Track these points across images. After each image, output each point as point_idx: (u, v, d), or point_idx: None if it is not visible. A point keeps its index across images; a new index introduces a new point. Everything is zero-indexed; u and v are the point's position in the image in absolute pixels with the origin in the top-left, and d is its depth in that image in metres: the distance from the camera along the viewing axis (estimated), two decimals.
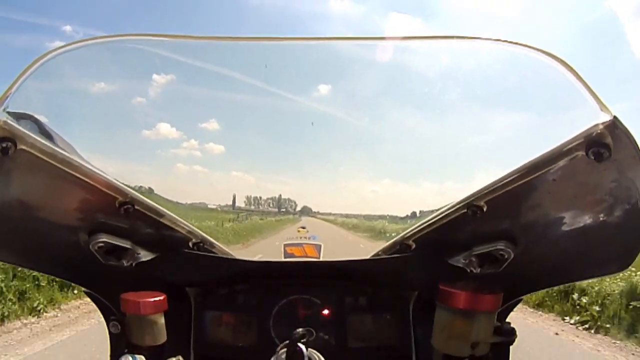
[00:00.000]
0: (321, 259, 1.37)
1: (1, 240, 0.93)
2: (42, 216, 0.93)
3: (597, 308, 6.51)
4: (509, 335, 1.07)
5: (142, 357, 1.06)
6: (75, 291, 6.69)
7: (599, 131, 0.67)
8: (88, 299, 1.27)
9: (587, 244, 0.89)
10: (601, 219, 0.82)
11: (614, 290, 6.59)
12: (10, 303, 5.72)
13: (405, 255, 1.22)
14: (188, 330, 1.31)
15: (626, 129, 0.66)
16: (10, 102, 0.71)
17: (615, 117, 0.66)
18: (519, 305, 1.17)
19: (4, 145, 0.70)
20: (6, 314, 5.58)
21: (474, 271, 1.10)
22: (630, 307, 6.11)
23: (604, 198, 0.79)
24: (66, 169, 0.80)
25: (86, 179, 0.84)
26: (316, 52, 1.04)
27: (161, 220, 1.05)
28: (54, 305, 6.35)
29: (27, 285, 6.08)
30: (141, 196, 0.97)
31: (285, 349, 1.02)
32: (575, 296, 6.93)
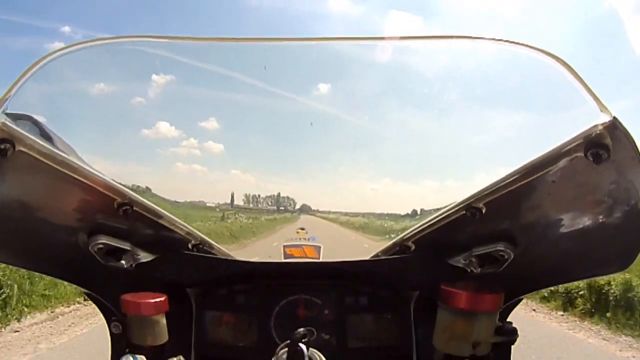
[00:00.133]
0: (321, 260, 1.37)
1: (1, 241, 0.93)
2: (41, 217, 0.93)
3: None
4: (511, 335, 1.07)
5: (143, 358, 1.06)
6: None
7: (598, 132, 0.67)
8: None
9: (587, 245, 0.89)
10: (601, 219, 0.82)
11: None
12: None
13: (405, 256, 1.22)
14: (189, 330, 1.31)
15: (626, 130, 0.66)
16: (9, 104, 0.71)
17: (615, 118, 0.66)
18: None
19: (3, 146, 0.70)
20: None
21: (475, 271, 1.10)
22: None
23: (603, 199, 0.79)
24: (65, 171, 0.80)
25: (84, 180, 0.84)
26: (316, 52, 1.03)
27: (160, 221, 1.05)
28: None
29: None
30: (140, 197, 0.97)
31: (286, 349, 1.02)
32: None
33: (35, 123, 0.80)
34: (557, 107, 0.93)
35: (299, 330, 1.01)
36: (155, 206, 1.02)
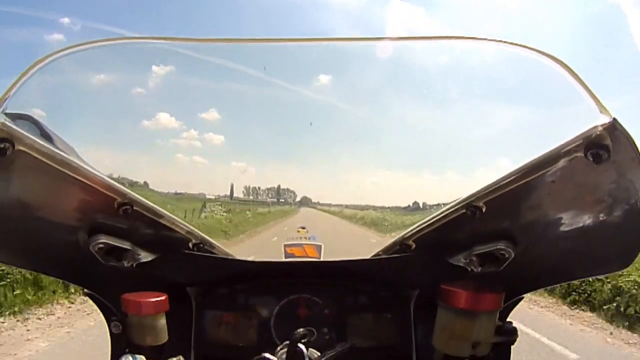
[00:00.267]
0: (321, 259, 1.37)
1: (1, 240, 0.93)
2: (41, 217, 0.93)
3: None
4: (511, 334, 1.07)
5: (143, 357, 1.06)
6: None
7: (598, 133, 0.67)
8: None
9: (587, 244, 0.89)
10: (601, 219, 0.82)
11: None
12: None
13: (406, 255, 1.22)
14: (189, 330, 1.31)
15: (626, 130, 0.66)
16: (9, 104, 0.71)
17: (614, 119, 0.66)
18: None
19: (2, 146, 0.69)
20: None
21: (475, 270, 1.10)
22: None
23: (603, 199, 0.79)
24: (65, 170, 0.80)
25: (84, 180, 0.84)
26: (318, 47, 1.03)
27: (160, 221, 1.05)
28: None
29: None
30: (140, 197, 0.97)
31: (285, 349, 1.02)
32: None
33: (35, 123, 0.80)
34: (558, 108, 0.93)
35: (298, 330, 1.01)
36: (156, 206, 1.02)
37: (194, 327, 1.31)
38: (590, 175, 0.75)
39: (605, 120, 0.66)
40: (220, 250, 1.33)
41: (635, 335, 5.53)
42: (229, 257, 1.32)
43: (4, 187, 0.81)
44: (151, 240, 1.13)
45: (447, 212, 1.00)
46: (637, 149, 0.67)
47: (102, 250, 1.04)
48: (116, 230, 1.03)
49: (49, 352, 4.47)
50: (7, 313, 5.33)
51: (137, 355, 1.06)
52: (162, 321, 1.13)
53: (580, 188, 0.81)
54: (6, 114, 0.70)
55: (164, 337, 1.14)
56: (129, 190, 0.94)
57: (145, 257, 1.14)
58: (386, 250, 1.29)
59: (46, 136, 0.80)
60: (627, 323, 5.78)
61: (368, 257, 1.32)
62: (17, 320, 5.30)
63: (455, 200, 0.98)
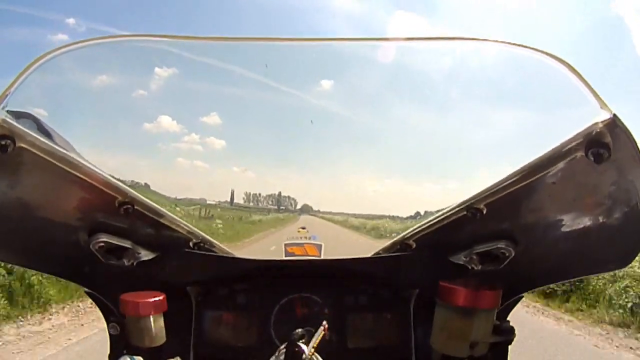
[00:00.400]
0: (322, 258, 1.37)
1: (1, 239, 0.93)
2: (42, 215, 0.92)
3: None
4: (508, 334, 1.06)
5: (140, 359, 1.05)
6: None
7: (598, 130, 0.67)
8: None
9: (587, 245, 0.89)
10: (601, 220, 0.82)
11: None
12: None
13: (406, 253, 1.22)
14: (187, 330, 1.30)
15: (626, 127, 0.66)
16: (9, 101, 0.71)
17: (615, 115, 0.66)
18: None
19: (3, 142, 0.69)
20: None
21: (475, 268, 1.10)
22: None
23: (603, 199, 0.79)
24: (65, 168, 0.79)
25: (85, 178, 0.84)
26: (320, 50, 1.03)
27: (161, 220, 1.05)
28: None
29: None
30: (141, 196, 0.96)
31: (284, 349, 1.02)
32: None
33: (36, 120, 0.79)
34: (558, 106, 0.93)
35: (297, 330, 1.00)
36: (156, 205, 1.01)
37: (194, 326, 1.30)
38: (591, 175, 0.74)
39: (606, 116, 0.66)
40: (220, 250, 1.32)
41: None
42: (230, 256, 1.32)
43: (5, 184, 0.81)
44: (152, 239, 1.13)
45: (448, 213, 1.00)
46: (637, 147, 0.67)
47: (102, 248, 1.03)
48: (117, 229, 1.03)
49: None
50: None
51: (135, 357, 1.05)
52: (160, 322, 1.13)
53: (581, 189, 0.81)
54: (7, 111, 0.70)
55: (162, 338, 1.13)
56: (130, 189, 0.93)
57: (146, 256, 1.13)
58: (386, 249, 1.29)
59: (46, 134, 0.79)
60: None
61: (368, 255, 1.32)
62: None
63: (456, 203, 0.98)
